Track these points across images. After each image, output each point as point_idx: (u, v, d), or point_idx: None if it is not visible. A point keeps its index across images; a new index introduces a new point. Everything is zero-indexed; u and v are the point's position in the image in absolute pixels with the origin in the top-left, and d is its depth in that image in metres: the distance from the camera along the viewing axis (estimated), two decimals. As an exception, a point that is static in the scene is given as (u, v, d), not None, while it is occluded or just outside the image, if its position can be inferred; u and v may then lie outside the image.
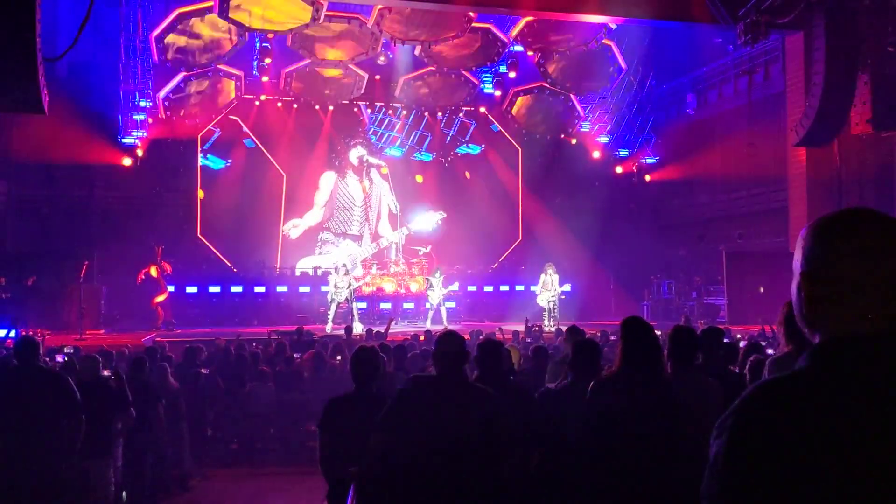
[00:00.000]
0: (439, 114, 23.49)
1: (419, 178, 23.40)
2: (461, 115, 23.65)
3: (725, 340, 7.40)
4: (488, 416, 3.76)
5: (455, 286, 19.35)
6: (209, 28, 18.60)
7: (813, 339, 1.40)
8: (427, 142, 23.64)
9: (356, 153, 22.56)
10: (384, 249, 22.42)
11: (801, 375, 1.34)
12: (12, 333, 13.43)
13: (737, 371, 5.63)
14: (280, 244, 22.28)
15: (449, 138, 23.86)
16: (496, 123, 23.77)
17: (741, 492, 1.26)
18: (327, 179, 22.67)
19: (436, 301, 18.43)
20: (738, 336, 12.22)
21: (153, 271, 18.75)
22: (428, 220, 22.06)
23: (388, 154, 23.30)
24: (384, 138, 23.33)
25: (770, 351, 7.64)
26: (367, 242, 22.64)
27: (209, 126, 21.45)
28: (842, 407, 1.26)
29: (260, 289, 21.04)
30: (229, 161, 21.88)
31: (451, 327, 16.83)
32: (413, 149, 23.57)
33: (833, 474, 1.22)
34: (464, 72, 21.67)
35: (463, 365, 3.94)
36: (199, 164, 21.66)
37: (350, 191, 22.83)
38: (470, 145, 23.94)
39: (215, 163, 21.89)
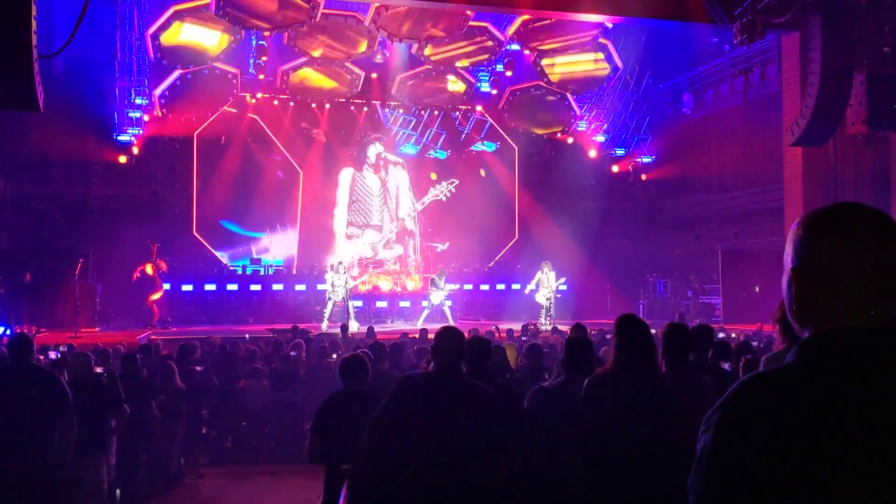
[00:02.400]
0: (455, 113, 23.40)
1: (433, 176, 23.46)
2: (475, 113, 23.53)
3: (720, 336, 7.42)
4: (484, 412, 3.75)
5: (454, 286, 19.33)
6: (205, 25, 18.57)
7: (803, 335, 1.39)
8: (442, 139, 23.61)
9: (374, 150, 22.72)
10: (406, 246, 22.60)
11: (789, 370, 1.33)
12: (7, 331, 13.40)
13: (729, 369, 5.64)
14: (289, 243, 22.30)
15: (464, 136, 23.82)
16: (492, 121, 23.77)
17: (727, 486, 1.26)
18: (346, 176, 22.78)
19: (437, 301, 18.41)
20: (734, 335, 12.22)
21: (148, 269, 18.70)
22: (441, 190, 22.13)
23: (403, 152, 23.38)
24: (399, 136, 23.37)
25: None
26: (387, 224, 22.78)
27: (205, 124, 21.42)
28: (830, 401, 1.26)
29: (256, 287, 21.01)
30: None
31: (450, 325, 16.92)
32: (428, 146, 23.56)
33: (819, 469, 1.21)
34: (460, 70, 21.66)
35: (460, 361, 3.94)
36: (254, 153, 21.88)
37: (367, 182, 23.00)
38: (485, 143, 23.89)
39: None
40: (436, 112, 23.36)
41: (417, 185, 23.05)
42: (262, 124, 22.06)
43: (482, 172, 23.80)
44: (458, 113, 23.43)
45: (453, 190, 22.18)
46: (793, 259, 1.41)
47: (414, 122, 23.31)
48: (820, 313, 1.36)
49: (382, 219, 22.82)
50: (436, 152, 23.54)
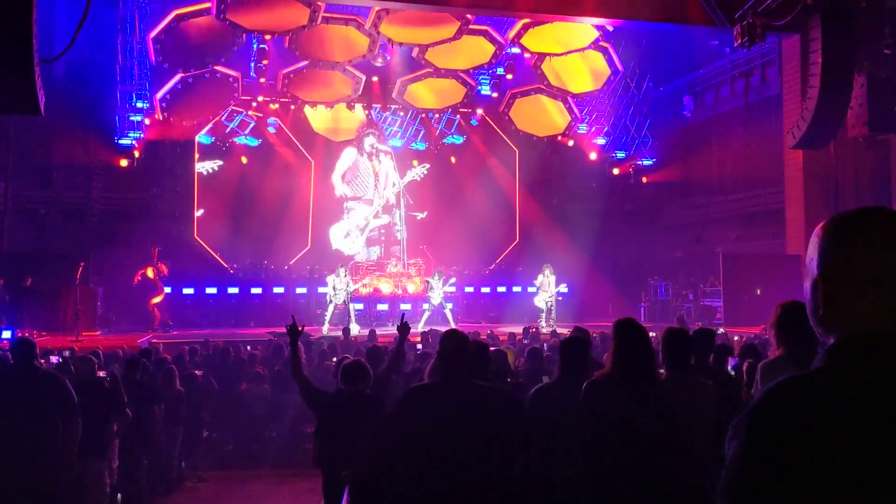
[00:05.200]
0: (435, 115, 23.58)
1: (415, 163, 23.93)
2: (448, 112, 23.75)
3: (720, 332, 7.40)
4: (497, 413, 3.73)
5: (451, 287, 19.34)
6: (206, 29, 18.59)
7: (827, 341, 1.38)
8: (421, 134, 24.17)
9: (369, 141, 23.23)
10: (391, 217, 23.11)
11: (819, 374, 1.32)
12: (8, 334, 13.41)
13: (731, 372, 5.64)
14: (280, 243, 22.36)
15: (438, 131, 24.16)
16: (493, 124, 23.82)
17: (759, 494, 1.25)
18: (349, 154, 23.29)
19: (436, 302, 18.42)
20: (736, 338, 12.21)
21: (149, 272, 18.69)
22: (416, 171, 23.38)
23: (391, 143, 23.78)
24: (387, 132, 23.84)
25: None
26: (377, 200, 23.26)
27: (208, 125, 21.42)
28: (863, 405, 1.25)
29: (256, 290, 21.01)
30: (260, 140, 22.44)
31: (453, 328, 16.92)
32: (410, 139, 24.21)
33: (854, 473, 1.20)
34: (461, 73, 21.68)
35: (464, 363, 3.91)
36: (239, 142, 22.16)
37: (363, 165, 23.48)
38: (455, 136, 24.35)
39: (251, 141, 22.35)
40: (435, 115, 23.52)
41: (401, 171, 23.49)
42: (261, 127, 22.11)
43: (452, 160, 24.29)
44: (434, 114, 23.55)
45: (425, 172, 23.44)
46: (818, 264, 1.39)
47: (399, 120, 23.87)
48: (848, 318, 1.35)
49: (374, 195, 23.44)
50: (416, 144, 24.24)
